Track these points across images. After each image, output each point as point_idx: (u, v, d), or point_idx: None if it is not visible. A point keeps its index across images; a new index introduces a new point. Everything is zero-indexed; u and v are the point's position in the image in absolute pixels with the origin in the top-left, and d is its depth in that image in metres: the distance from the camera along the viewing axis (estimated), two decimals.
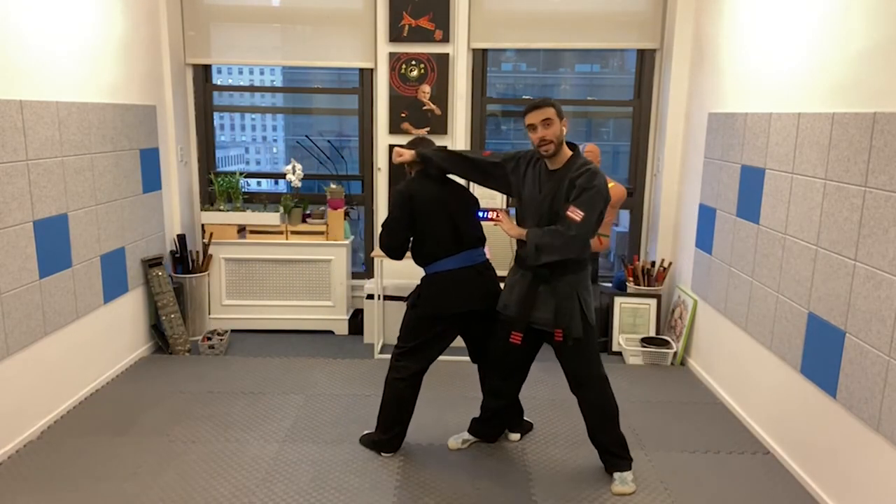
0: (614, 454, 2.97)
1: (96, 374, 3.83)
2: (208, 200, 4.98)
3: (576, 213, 2.63)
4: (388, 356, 3.33)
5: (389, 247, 3.05)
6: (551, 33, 4.68)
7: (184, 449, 3.18)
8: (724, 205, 3.77)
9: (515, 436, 3.33)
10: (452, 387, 3.93)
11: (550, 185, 2.77)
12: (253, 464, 3.06)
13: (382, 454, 3.15)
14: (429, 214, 2.98)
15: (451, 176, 3.09)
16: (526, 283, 2.85)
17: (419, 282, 3.09)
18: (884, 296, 2.44)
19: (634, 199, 4.90)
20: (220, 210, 4.75)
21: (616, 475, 2.93)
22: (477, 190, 4.78)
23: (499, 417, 3.22)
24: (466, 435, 3.27)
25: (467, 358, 4.34)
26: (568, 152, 2.79)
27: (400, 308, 3.98)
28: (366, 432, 3.28)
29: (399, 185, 3.04)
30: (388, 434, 3.14)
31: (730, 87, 3.81)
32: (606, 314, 4.55)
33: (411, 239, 3.06)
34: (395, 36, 4.62)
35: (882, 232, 2.46)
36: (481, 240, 3.09)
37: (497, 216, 2.95)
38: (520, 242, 2.89)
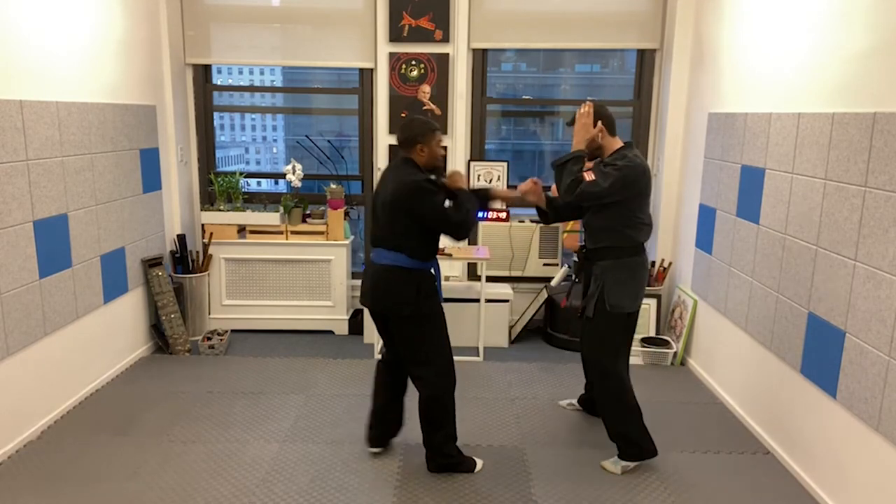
0: (616, 443, 3.09)
1: (96, 374, 3.83)
2: (208, 200, 4.98)
3: (588, 175, 2.84)
4: None
5: None
6: (551, 33, 4.68)
7: (184, 449, 3.18)
8: (724, 205, 3.77)
9: (567, 402, 3.72)
10: None
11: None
12: (253, 464, 3.06)
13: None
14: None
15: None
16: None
17: None
18: (884, 296, 2.44)
19: None
20: (220, 210, 4.75)
21: (615, 457, 3.09)
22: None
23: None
24: (573, 401, 3.69)
25: (466, 358, 4.36)
26: (613, 147, 2.98)
27: None
28: None
29: None
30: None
31: (730, 87, 3.81)
32: None
33: None
34: (395, 36, 4.62)
35: (882, 232, 2.46)
36: (386, 240, 2.87)
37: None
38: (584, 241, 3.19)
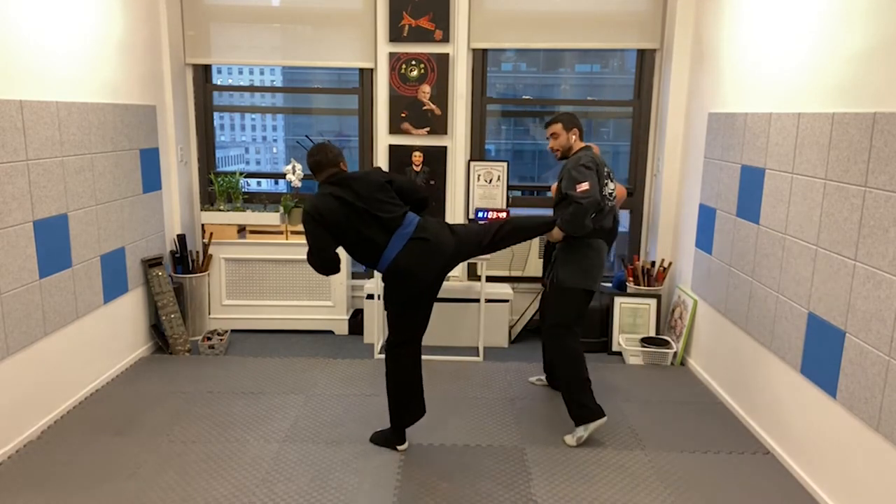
0: (568, 407, 3.34)
1: (96, 374, 3.83)
2: (208, 200, 4.98)
3: (581, 187, 3.19)
4: None
5: (322, 266, 3.05)
6: (551, 33, 4.68)
7: (184, 449, 3.18)
8: (724, 205, 3.77)
9: (536, 378, 4.05)
10: (453, 387, 3.94)
11: (561, 176, 3.44)
12: (253, 464, 3.07)
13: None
14: (345, 228, 3.01)
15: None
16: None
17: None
18: (884, 296, 2.44)
19: (634, 199, 4.89)
20: (220, 210, 4.75)
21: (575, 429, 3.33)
22: (478, 190, 4.79)
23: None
24: (543, 377, 4.03)
25: (468, 358, 4.36)
26: (577, 147, 3.45)
27: None
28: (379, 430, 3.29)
29: (306, 205, 3.05)
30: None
31: (730, 87, 3.81)
32: (606, 314, 4.56)
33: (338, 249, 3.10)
34: (395, 36, 4.62)
35: (882, 232, 2.46)
36: (403, 216, 3.06)
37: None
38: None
